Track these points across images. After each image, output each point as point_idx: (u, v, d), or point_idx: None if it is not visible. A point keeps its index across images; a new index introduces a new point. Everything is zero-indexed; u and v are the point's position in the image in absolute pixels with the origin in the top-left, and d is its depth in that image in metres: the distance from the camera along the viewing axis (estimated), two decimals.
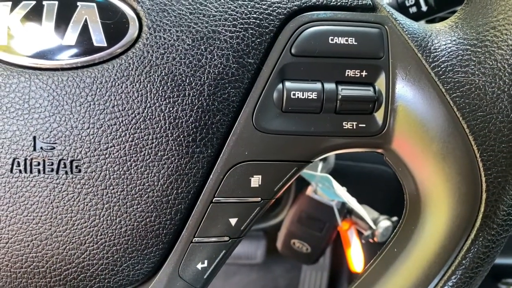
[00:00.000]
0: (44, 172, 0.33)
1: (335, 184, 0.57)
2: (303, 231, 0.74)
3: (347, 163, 0.78)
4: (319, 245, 0.75)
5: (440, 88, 0.34)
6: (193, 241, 0.35)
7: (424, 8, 0.52)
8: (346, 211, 0.73)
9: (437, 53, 0.35)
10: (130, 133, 0.33)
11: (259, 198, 0.35)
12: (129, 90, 0.33)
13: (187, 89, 0.33)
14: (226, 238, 0.36)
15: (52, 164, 0.33)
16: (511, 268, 1.06)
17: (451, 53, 0.34)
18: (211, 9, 0.33)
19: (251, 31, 0.33)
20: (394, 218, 0.77)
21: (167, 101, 0.33)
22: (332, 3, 0.34)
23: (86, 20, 0.32)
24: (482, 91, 0.34)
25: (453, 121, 0.34)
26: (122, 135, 0.33)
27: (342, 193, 0.56)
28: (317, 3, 0.34)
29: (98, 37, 0.32)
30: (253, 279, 1.41)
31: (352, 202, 0.58)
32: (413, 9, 0.52)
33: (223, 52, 0.33)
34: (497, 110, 0.34)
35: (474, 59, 0.34)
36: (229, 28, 0.33)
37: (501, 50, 0.34)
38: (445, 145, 0.34)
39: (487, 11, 0.35)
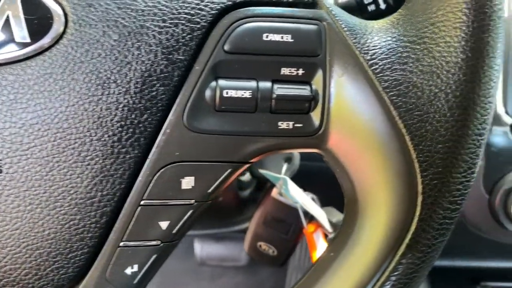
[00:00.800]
0: None
1: (291, 185, 0.56)
2: (269, 233, 0.72)
3: (315, 164, 0.77)
4: (285, 247, 0.74)
5: (377, 87, 0.33)
6: (120, 245, 0.34)
7: (382, 6, 0.50)
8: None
9: (375, 50, 0.33)
10: (53, 133, 0.32)
11: (193, 201, 0.34)
12: (51, 88, 0.31)
13: (112, 87, 0.32)
14: (157, 242, 0.34)
15: None
16: (489, 271, 1.05)
17: (390, 50, 0.33)
18: (140, 3, 0.32)
19: (182, 27, 0.32)
20: None
21: (91, 99, 0.32)
22: None
23: (8, 16, 0.31)
24: (419, 90, 0.33)
25: (390, 121, 0.33)
26: (44, 135, 0.32)
27: (298, 195, 0.55)
28: None
29: (21, 33, 0.31)
30: (239, 281, 1.40)
31: (308, 205, 0.56)
32: (372, 7, 0.50)
33: (151, 48, 0.32)
34: (434, 109, 0.33)
35: (413, 56, 0.33)
36: (158, 24, 0.32)
37: (438, 47, 0.32)
38: (382, 145, 0.33)
39: (427, 7, 0.33)
